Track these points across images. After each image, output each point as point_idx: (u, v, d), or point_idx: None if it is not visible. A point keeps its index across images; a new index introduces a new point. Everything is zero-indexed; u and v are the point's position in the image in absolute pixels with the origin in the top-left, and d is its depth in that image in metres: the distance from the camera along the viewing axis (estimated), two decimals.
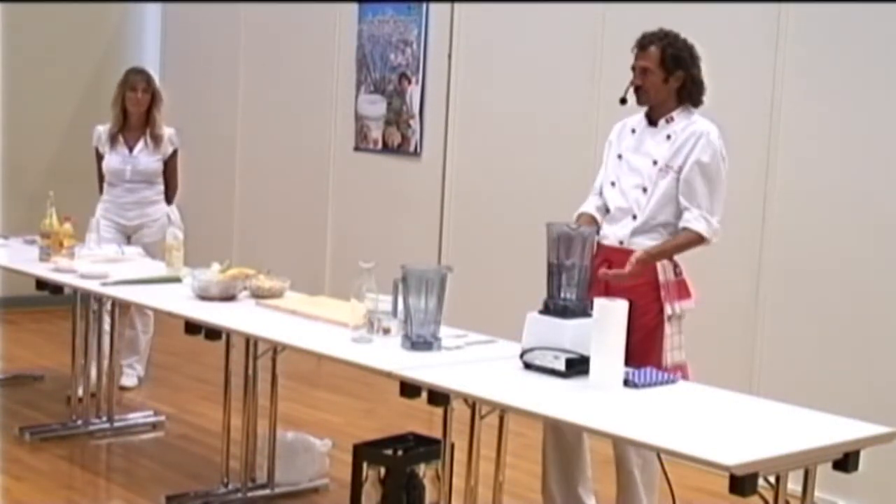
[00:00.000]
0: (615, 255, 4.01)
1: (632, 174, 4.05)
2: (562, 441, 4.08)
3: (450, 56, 6.41)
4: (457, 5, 6.37)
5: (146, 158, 5.95)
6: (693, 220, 3.92)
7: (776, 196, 5.01)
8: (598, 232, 4.06)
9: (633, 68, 4.02)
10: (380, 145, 6.86)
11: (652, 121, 4.04)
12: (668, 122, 4.01)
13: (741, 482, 2.67)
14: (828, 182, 4.86)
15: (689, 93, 3.99)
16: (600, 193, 4.18)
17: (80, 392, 5.48)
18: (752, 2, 5.07)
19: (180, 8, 8.25)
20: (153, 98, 5.95)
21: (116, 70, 6.14)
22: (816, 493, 2.95)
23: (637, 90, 4.01)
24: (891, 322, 4.67)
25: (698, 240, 3.93)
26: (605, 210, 4.14)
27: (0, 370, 6.32)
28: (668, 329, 3.93)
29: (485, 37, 6.27)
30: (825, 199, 4.87)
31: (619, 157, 4.11)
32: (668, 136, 3.99)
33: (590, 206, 4.19)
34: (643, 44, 4.00)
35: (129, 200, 5.97)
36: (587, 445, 4.13)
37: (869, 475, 3.19)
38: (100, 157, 6.01)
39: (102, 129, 5.99)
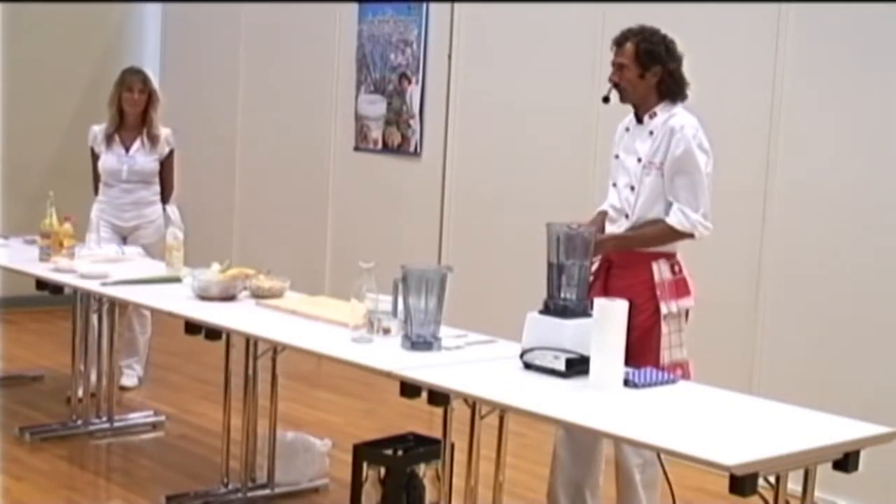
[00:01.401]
0: (615, 255, 4.02)
1: (623, 173, 4.07)
2: (576, 443, 4.07)
3: (450, 56, 6.41)
4: (457, 5, 6.37)
5: (143, 158, 5.94)
6: (670, 213, 3.92)
7: (776, 196, 5.01)
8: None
9: (613, 64, 4.03)
10: (380, 145, 6.86)
11: (639, 118, 4.05)
12: (651, 117, 4.01)
13: (741, 482, 2.67)
14: (828, 182, 4.86)
15: (669, 88, 3.98)
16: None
17: (80, 392, 5.48)
18: (752, 2, 5.07)
19: (180, 8, 8.26)
20: (150, 98, 5.93)
21: (116, 70, 6.13)
22: (816, 493, 2.95)
23: (616, 87, 4.03)
24: (890, 322, 4.67)
25: (671, 232, 3.92)
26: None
27: (0, 370, 6.32)
28: (664, 328, 3.93)
29: (485, 37, 6.27)
30: (825, 200, 4.87)
31: (616, 157, 4.12)
32: (651, 133, 3.99)
33: (607, 203, 4.20)
34: (619, 40, 4.01)
35: (125, 201, 5.95)
36: (602, 453, 4.12)
37: (869, 475, 3.19)
38: (95, 158, 5.99)
39: (98, 129, 5.98)
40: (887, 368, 4.67)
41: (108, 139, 5.93)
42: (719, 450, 2.75)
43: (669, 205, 3.94)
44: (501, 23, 6.18)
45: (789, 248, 4.98)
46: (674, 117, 3.96)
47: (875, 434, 2.99)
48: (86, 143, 6.04)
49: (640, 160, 3.99)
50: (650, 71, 3.96)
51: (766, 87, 5.01)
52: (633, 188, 4.00)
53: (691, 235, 3.93)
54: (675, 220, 3.91)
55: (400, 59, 6.69)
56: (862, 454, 2.94)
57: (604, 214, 4.16)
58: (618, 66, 4.00)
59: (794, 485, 2.86)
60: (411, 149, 6.68)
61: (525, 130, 6.09)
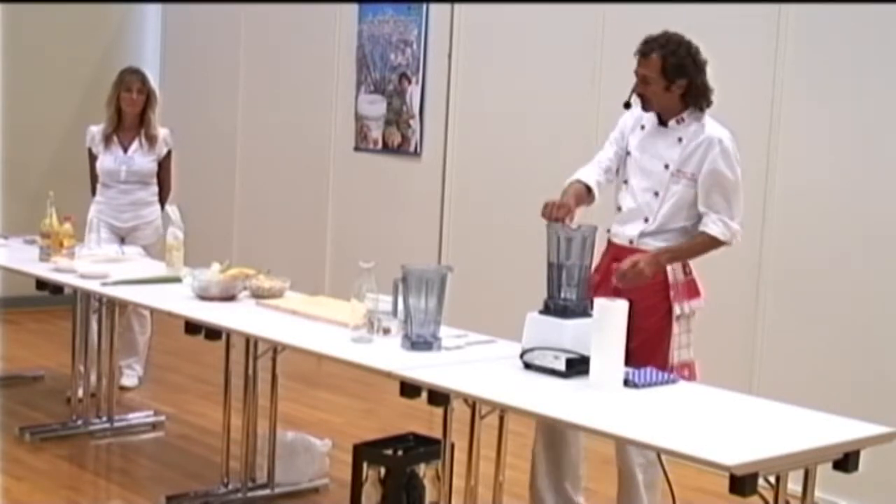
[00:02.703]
0: (624, 254, 3.98)
1: (642, 176, 4.02)
2: (552, 435, 4.06)
3: (450, 56, 6.41)
4: (457, 5, 6.37)
5: (141, 159, 5.93)
6: (710, 224, 3.91)
7: (776, 196, 5.01)
8: (591, 201, 4.06)
9: (636, 73, 3.96)
10: (380, 145, 6.86)
11: (662, 121, 4.01)
12: (678, 122, 3.97)
13: (741, 482, 2.67)
14: (828, 182, 4.86)
15: (695, 98, 3.94)
16: (606, 170, 4.11)
17: (80, 392, 5.48)
18: (752, 2, 5.07)
19: (180, 8, 8.25)
20: (148, 98, 5.92)
21: (116, 70, 6.13)
22: (816, 493, 2.96)
23: (641, 97, 3.97)
24: (891, 322, 4.67)
25: (713, 243, 3.93)
26: (605, 181, 4.09)
27: (0, 370, 6.32)
28: (675, 328, 3.93)
29: (485, 37, 6.27)
30: (825, 200, 4.87)
31: (629, 153, 4.09)
32: (680, 139, 3.95)
33: (589, 176, 4.10)
34: (644, 51, 3.92)
35: (123, 202, 5.95)
36: (581, 442, 4.12)
37: (869, 475, 3.19)
38: (93, 158, 5.99)
39: (96, 130, 5.97)
40: (887, 369, 4.67)
41: (107, 140, 5.92)
42: (719, 450, 2.75)
43: (698, 214, 3.92)
44: (501, 23, 6.18)
45: (789, 248, 4.98)
46: (707, 127, 3.93)
47: (875, 434, 2.99)
48: (85, 143, 6.04)
49: (667, 167, 3.97)
50: (676, 84, 3.91)
51: (765, 88, 5.01)
52: (656, 193, 3.98)
53: (728, 244, 3.94)
54: (718, 230, 3.89)
55: (400, 59, 6.69)
56: (862, 454, 2.94)
57: (581, 187, 4.06)
58: (642, 78, 3.92)
59: (794, 485, 2.86)
60: (411, 149, 6.68)
61: (525, 130, 6.09)
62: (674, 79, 3.90)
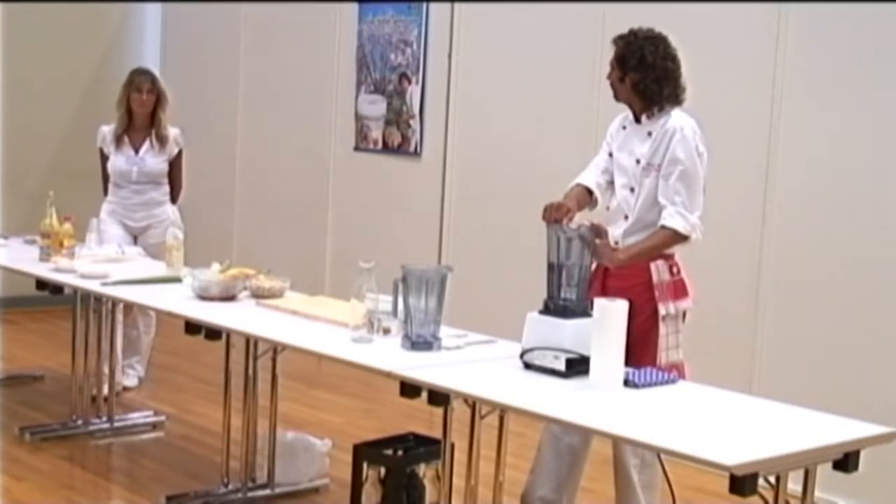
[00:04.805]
0: None
1: (620, 174, 4.06)
2: (562, 446, 4.06)
3: (450, 56, 6.41)
4: (457, 5, 6.37)
5: (152, 159, 5.93)
6: (668, 217, 3.88)
7: (776, 196, 5.01)
8: (594, 204, 4.10)
9: None
10: (380, 145, 6.86)
11: (637, 118, 4.04)
12: (649, 118, 4.00)
13: (741, 482, 2.67)
14: (828, 182, 4.86)
15: (643, 94, 3.96)
16: (603, 171, 4.14)
17: (81, 392, 5.48)
18: (752, 2, 5.07)
19: (180, 8, 8.26)
20: (158, 99, 5.92)
21: (117, 70, 6.15)
22: (816, 493, 2.96)
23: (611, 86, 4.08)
24: (891, 322, 4.67)
25: (674, 236, 3.89)
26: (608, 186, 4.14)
27: (0, 370, 6.32)
28: (662, 329, 3.91)
29: (485, 37, 6.27)
30: (825, 200, 4.87)
31: (610, 154, 4.12)
32: (650, 133, 3.98)
33: (589, 179, 4.14)
34: (614, 39, 4.06)
35: (135, 202, 5.95)
36: (587, 460, 4.11)
37: (869, 475, 3.19)
38: (104, 158, 5.99)
39: (107, 130, 5.97)
40: (887, 368, 4.67)
41: (117, 140, 5.91)
42: (719, 450, 2.75)
43: (660, 205, 3.91)
44: (501, 23, 6.18)
45: (789, 248, 4.98)
46: (671, 119, 3.95)
47: (875, 434, 2.99)
48: (87, 143, 6.05)
49: (638, 161, 3.99)
50: (628, 76, 3.98)
51: (766, 88, 5.01)
52: (632, 189, 4.00)
53: (687, 238, 3.92)
54: (678, 223, 3.86)
55: (400, 59, 6.69)
56: (862, 454, 2.94)
57: (582, 190, 4.11)
58: (609, 66, 4.05)
59: (794, 485, 2.86)
60: (411, 149, 6.68)
61: (525, 130, 6.09)
62: (626, 70, 3.98)
